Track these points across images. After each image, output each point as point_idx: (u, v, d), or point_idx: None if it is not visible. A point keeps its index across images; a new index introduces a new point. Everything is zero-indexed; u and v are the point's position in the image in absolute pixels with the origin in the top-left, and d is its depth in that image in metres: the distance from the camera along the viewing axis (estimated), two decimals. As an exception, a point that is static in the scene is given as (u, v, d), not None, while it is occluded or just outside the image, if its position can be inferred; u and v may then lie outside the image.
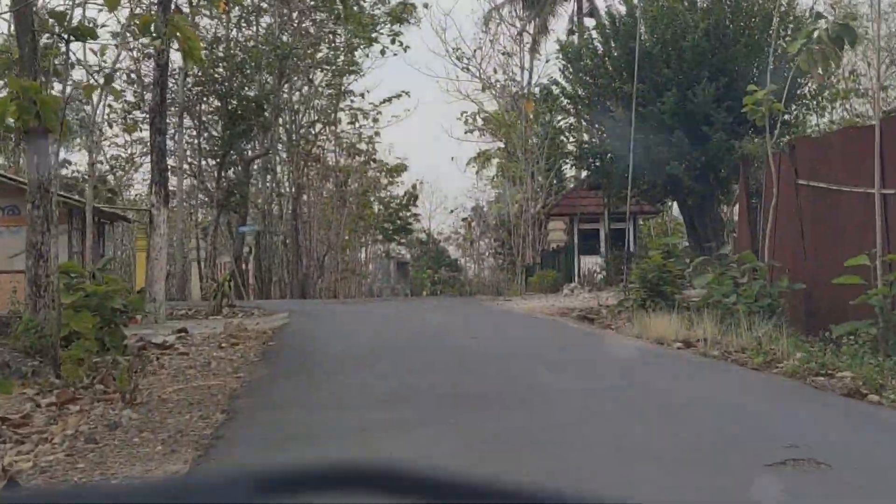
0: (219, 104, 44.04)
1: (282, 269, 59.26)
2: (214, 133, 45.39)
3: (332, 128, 65.60)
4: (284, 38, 46.06)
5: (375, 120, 67.41)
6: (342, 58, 57.85)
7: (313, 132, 62.96)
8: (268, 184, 53.63)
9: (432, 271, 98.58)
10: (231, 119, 42.68)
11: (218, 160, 44.16)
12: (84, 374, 14.82)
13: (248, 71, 43.55)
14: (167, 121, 47.12)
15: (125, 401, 11.87)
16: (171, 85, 45.40)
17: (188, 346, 19.67)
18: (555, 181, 65.44)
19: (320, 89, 61.02)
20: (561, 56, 37.79)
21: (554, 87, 38.37)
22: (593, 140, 37.50)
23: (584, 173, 64.17)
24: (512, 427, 9.33)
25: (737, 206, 33.77)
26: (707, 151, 34.52)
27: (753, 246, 25.30)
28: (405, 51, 50.83)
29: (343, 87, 61.55)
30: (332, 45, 56.75)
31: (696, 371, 14.11)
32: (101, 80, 30.06)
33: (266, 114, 45.78)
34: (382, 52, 51.17)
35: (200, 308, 35.68)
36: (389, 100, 63.89)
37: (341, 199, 68.28)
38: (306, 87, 60.42)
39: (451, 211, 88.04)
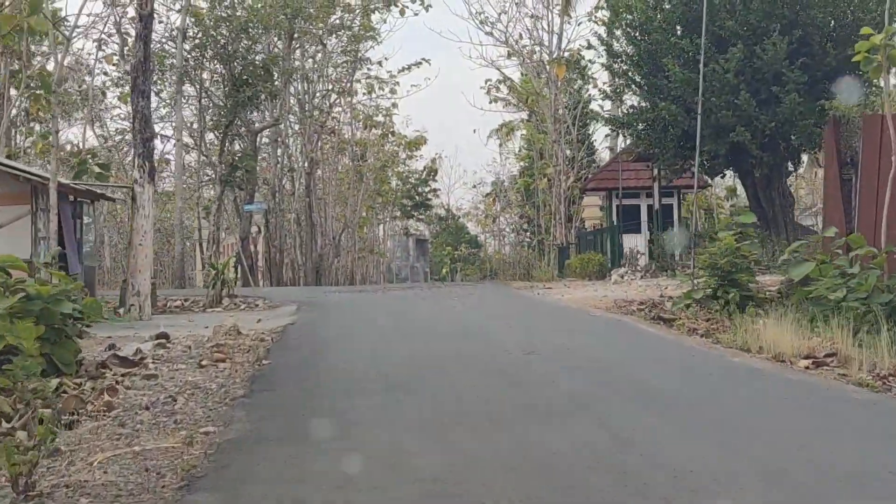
0: (222, 69, 39.56)
1: (294, 250, 55.05)
2: (217, 101, 40.91)
3: (348, 98, 61.44)
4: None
5: (393, 91, 63.30)
6: (358, 21, 53.43)
7: (328, 103, 58.68)
8: (278, 157, 49.19)
9: (452, 248, 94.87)
10: (235, 85, 38.23)
11: (221, 131, 39.69)
12: (11, 409, 10.65)
13: (253, 32, 39.03)
14: (163, 87, 43.08)
15: (17, 491, 7.53)
16: (169, 48, 41.12)
17: (162, 361, 15.33)
18: (585, 155, 61.04)
19: (334, 56, 56.68)
20: (606, 7, 33.14)
21: (597, 46, 33.64)
22: (642, 104, 32.88)
23: (620, 143, 59.75)
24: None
25: (817, 180, 29.39)
26: (777, 116, 29.98)
27: (848, 227, 20.81)
28: (427, 10, 46.24)
29: (359, 55, 57.24)
30: (347, 7, 52.29)
31: None
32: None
33: (275, 80, 41.31)
34: (402, 13, 46.69)
35: (198, 298, 31.39)
36: (409, 68, 59.76)
37: (358, 173, 64.28)
38: (320, 55, 56.06)
39: (474, 186, 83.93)
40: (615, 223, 44.62)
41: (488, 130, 78.32)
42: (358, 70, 58.94)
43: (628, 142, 52.09)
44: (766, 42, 29.60)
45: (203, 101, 41.20)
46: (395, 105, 65.14)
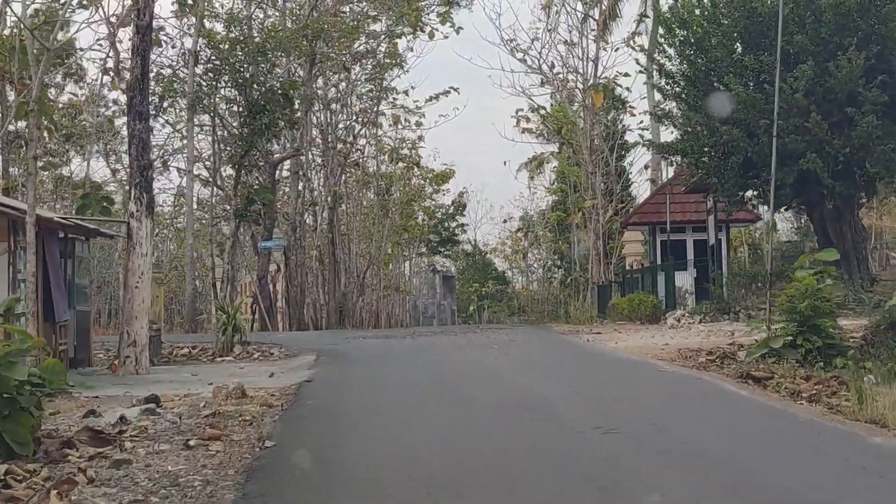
0: (237, 95, 36.63)
1: (316, 289, 51.88)
2: (232, 129, 37.97)
3: (373, 130, 58.46)
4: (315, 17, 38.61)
5: (419, 124, 60.30)
6: (383, 48, 50.49)
7: (352, 135, 55.69)
8: (299, 191, 46.18)
9: (479, 285, 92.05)
10: (251, 112, 35.25)
11: (236, 162, 36.70)
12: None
13: (271, 55, 36.09)
14: (175, 116, 40.26)
15: None
16: (180, 72, 38.30)
17: (142, 438, 12.23)
18: (622, 188, 57.86)
19: (358, 85, 53.75)
20: (657, 23, 30.06)
21: (646, 66, 30.43)
22: (698, 128, 29.70)
23: (664, 173, 56.50)
24: None
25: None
26: (851, 141, 26.82)
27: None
28: (457, 32, 43.25)
29: (385, 84, 54.27)
30: (373, 33, 49.39)
31: None
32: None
33: (295, 107, 38.34)
34: (431, 35, 43.65)
35: (208, 345, 28.31)
36: (436, 97, 56.59)
37: (383, 208, 61.20)
38: (343, 84, 53.14)
39: (504, 221, 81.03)
40: (664, 260, 41.39)
41: (517, 163, 75.25)
42: (383, 100, 55.96)
43: (670, 172, 49.29)
44: (839, 58, 26.49)
45: (217, 130, 38.25)
46: (421, 138, 62.13)
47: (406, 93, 56.02)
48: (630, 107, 54.49)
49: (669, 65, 29.86)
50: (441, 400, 14.64)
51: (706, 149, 29.18)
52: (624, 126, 58.40)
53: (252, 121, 35.37)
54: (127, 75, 23.61)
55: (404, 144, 62.05)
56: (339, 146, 54.45)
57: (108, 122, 39.38)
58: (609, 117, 57.51)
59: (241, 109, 36.53)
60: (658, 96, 32.16)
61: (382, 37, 49.66)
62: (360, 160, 60.44)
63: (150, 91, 37.09)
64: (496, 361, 20.36)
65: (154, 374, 21.61)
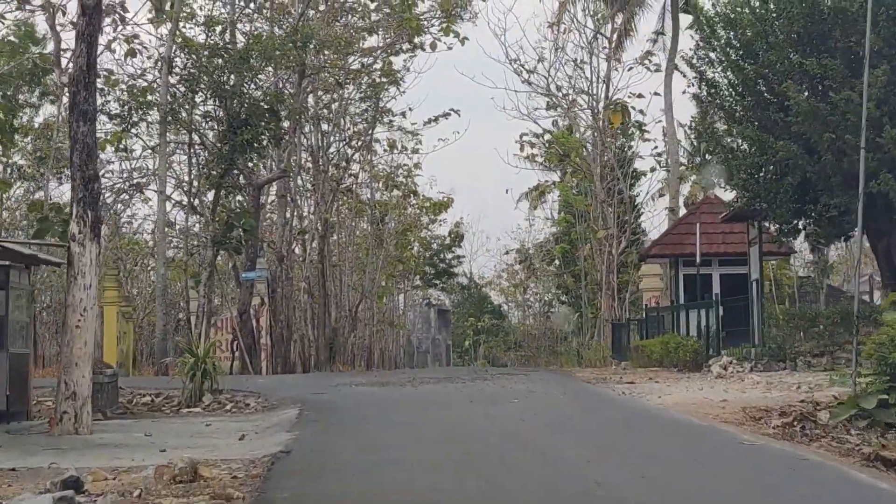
0: (216, 107, 32.61)
1: (305, 324, 47.86)
2: (210, 145, 33.91)
3: (366, 154, 54.65)
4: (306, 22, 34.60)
5: (415, 151, 56.50)
6: (379, 65, 46.59)
7: (345, 159, 51.86)
8: (286, 217, 42.11)
9: (475, 319, 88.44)
10: (232, 126, 31.24)
11: (214, 182, 32.65)
12: None
13: (255, 62, 32.10)
14: (147, 131, 36.13)
15: None
16: (152, 80, 34.30)
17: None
18: (634, 217, 53.89)
19: (352, 104, 49.92)
20: (703, 27, 26.00)
21: (686, 71, 26.39)
22: (743, 145, 25.66)
23: (682, 199, 52.52)
24: None
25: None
26: (931, 159, 22.86)
27: None
28: (462, 43, 39.29)
29: (380, 105, 50.45)
30: (369, 51, 45.52)
31: None
32: None
33: (281, 121, 34.29)
34: (434, 46, 39.70)
35: (175, 393, 24.12)
36: (435, 119, 52.70)
37: (377, 238, 57.36)
38: (336, 105, 49.25)
39: (506, 253, 77.31)
40: (686, 296, 37.43)
41: (518, 192, 71.64)
42: (379, 122, 52.13)
43: (701, 194, 45.41)
44: (919, 63, 22.60)
45: (195, 147, 34.25)
46: (417, 165, 58.37)
47: (403, 114, 52.33)
48: (644, 130, 50.65)
49: (712, 72, 25.80)
50: (464, 491, 10.51)
51: (754, 169, 25.11)
52: (634, 153, 54.61)
53: (233, 136, 31.37)
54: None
55: (400, 171, 58.38)
56: (331, 171, 50.68)
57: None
58: (618, 144, 53.71)
59: (220, 124, 32.54)
60: (680, 115, 28.00)
61: (378, 52, 45.75)
62: (354, 186, 56.71)
63: (120, 101, 33.50)
64: (524, 424, 16.22)
65: (98, 434, 17.48)
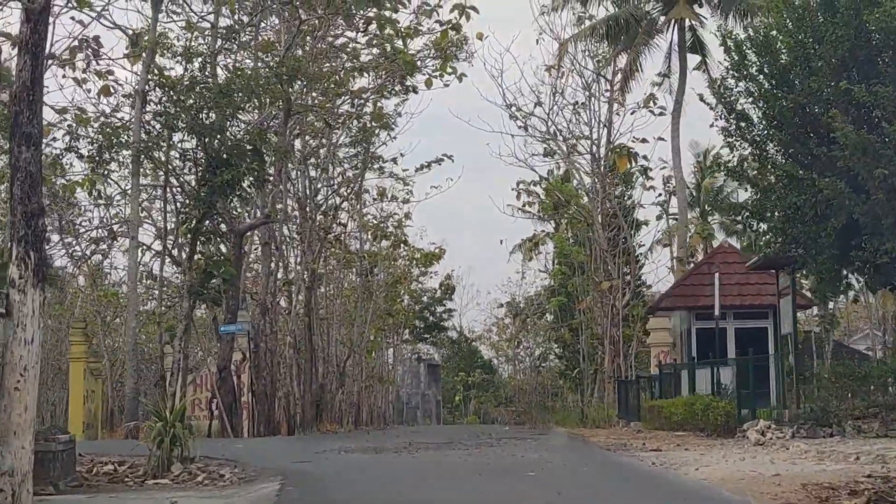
0: (195, 146, 29.99)
1: (290, 381, 45.06)
2: (188, 186, 31.27)
3: (356, 203, 52.36)
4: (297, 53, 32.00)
5: (406, 200, 54.21)
6: (369, 108, 44.17)
7: (334, 206, 49.48)
8: (271, 268, 39.36)
9: (465, 374, 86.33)
10: (211, 166, 28.61)
11: (191, 226, 29.96)
12: None
13: (237, 97, 29.52)
14: (117, 169, 33.30)
15: None
16: (127, 119, 31.69)
17: None
18: (635, 268, 51.31)
19: (342, 148, 47.62)
20: (732, 53, 23.39)
21: (710, 101, 23.72)
22: (778, 184, 23.08)
23: (696, 247, 50.16)
24: None
25: None
26: None
27: None
28: (460, 80, 36.80)
29: (370, 151, 48.21)
30: (359, 91, 43.13)
31: None
32: None
33: (266, 163, 31.68)
34: (429, 83, 37.20)
35: (141, 460, 21.21)
36: (428, 165, 50.40)
37: (367, 291, 54.94)
38: (323, 150, 46.87)
39: (501, 306, 75.24)
40: (700, 351, 34.90)
41: (512, 243, 69.64)
42: (368, 169, 49.88)
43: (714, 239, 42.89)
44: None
45: (171, 188, 31.59)
46: (408, 215, 56.09)
47: (395, 160, 49.99)
48: (649, 176, 48.15)
49: (743, 102, 23.22)
50: None
51: (790, 210, 22.48)
52: (634, 202, 52.25)
53: (212, 177, 28.72)
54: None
55: (390, 221, 56.08)
56: (319, 219, 48.16)
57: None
58: (617, 192, 51.32)
59: (198, 164, 29.91)
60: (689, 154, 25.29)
61: (369, 93, 43.32)
62: (343, 236, 54.29)
63: (90, 140, 30.84)
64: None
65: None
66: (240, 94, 29.71)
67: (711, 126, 23.72)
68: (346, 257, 54.81)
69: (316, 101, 39.91)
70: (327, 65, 40.94)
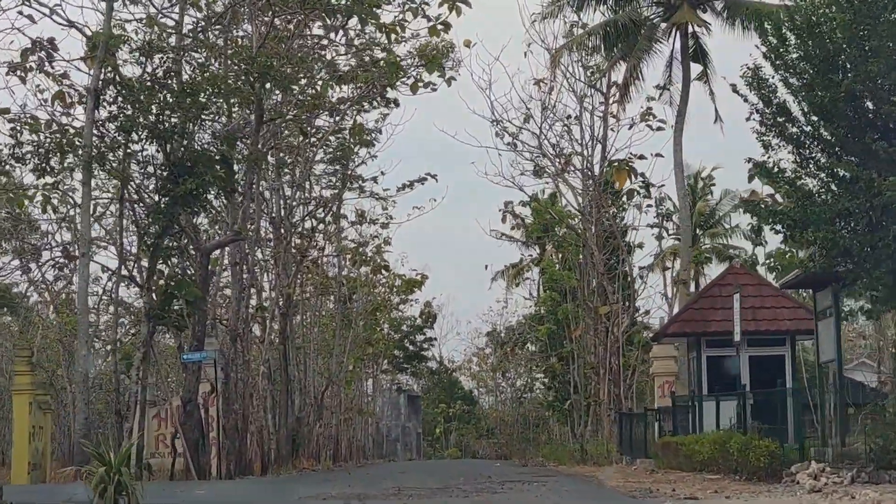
0: (154, 151, 26.84)
1: (264, 414, 42.01)
2: (147, 196, 28.07)
3: (333, 226, 49.68)
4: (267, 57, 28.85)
5: (385, 225, 51.50)
6: (349, 122, 41.36)
7: (311, 227, 46.79)
8: (241, 290, 36.11)
9: (446, 406, 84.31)
10: (173, 174, 25.43)
11: (150, 242, 26.75)
12: None
13: (203, 98, 26.38)
14: (67, 176, 30.01)
15: None
16: (77, 122, 28.48)
17: None
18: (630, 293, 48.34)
19: (318, 165, 44.87)
20: (769, 37, 20.30)
21: (751, 82, 20.60)
22: (829, 187, 19.96)
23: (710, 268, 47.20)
24: None
25: None
26: None
27: None
28: (449, 84, 33.79)
29: (349, 171, 45.57)
30: (338, 104, 40.23)
31: None
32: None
33: (235, 173, 28.53)
34: (414, 88, 34.21)
35: (85, 509, 17.88)
36: (410, 185, 47.61)
37: (345, 319, 52.22)
38: (298, 169, 43.95)
39: (488, 334, 72.98)
40: (710, 381, 32.00)
41: (495, 270, 67.04)
42: (347, 189, 47.18)
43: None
44: None
45: (128, 199, 28.41)
46: (387, 241, 53.42)
47: (375, 179, 47.15)
48: (648, 194, 45.22)
49: (782, 91, 20.13)
50: None
51: (840, 217, 19.38)
52: (629, 224, 49.39)
53: (173, 187, 25.55)
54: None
55: (369, 246, 53.30)
56: (295, 241, 45.22)
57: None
58: (611, 213, 48.48)
59: (159, 172, 26.75)
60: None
61: (348, 104, 40.37)
62: (320, 260, 51.45)
63: (35, 144, 27.71)
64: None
65: None
66: (206, 93, 26.56)
67: (747, 119, 20.52)
68: (323, 283, 52.17)
69: (291, 114, 37.04)
70: (303, 77, 38.07)
